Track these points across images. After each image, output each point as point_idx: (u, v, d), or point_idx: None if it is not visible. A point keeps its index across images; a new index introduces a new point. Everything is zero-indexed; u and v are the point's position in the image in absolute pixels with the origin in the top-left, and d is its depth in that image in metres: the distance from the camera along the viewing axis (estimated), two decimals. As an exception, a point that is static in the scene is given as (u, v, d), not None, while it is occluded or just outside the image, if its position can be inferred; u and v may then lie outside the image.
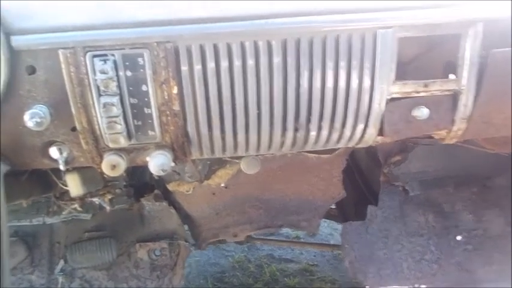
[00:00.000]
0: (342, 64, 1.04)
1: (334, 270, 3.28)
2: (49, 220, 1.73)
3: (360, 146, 1.22)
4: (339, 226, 3.37)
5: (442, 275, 1.86)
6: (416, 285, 1.84)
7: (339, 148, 1.64)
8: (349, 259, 1.82)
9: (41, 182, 1.44)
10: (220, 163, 1.57)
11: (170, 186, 1.71)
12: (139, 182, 1.83)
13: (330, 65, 1.04)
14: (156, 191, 1.78)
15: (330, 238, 3.41)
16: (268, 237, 2.83)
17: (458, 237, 1.90)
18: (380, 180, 1.92)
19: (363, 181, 2.24)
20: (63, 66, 0.98)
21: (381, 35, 1.02)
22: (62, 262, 1.78)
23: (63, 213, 1.61)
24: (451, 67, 1.14)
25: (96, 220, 1.78)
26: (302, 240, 3.33)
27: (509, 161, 1.79)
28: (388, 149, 1.83)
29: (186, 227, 1.94)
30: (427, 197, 1.94)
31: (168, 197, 1.81)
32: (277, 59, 1.02)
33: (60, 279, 1.77)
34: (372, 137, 1.17)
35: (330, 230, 3.54)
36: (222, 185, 1.70)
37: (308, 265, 3.31)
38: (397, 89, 1.08)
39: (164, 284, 1.75)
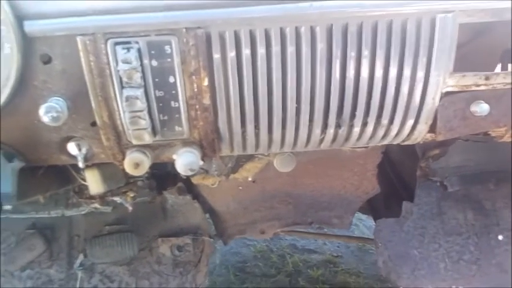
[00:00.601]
0: (394, 53, 0.92)
1: (359, 262, 3.18)
2: (68, 212, 1.65)
3: (406, 143, 1.11)
4: (364, 217, 3.28)
5: (481, 277, 1.74)
6: (453, 287, 1.73)
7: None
8: (382, 258, 1.71)
9: (59, 176, 1.36)
10: (249, 157, 1.47)
11: (194, 179, 1.62)
12: (161, 172, 1.74)
13: (380, 53, 0.92)
14: (179, 184, 1.69)
15: (354, 229, 3.30)
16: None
17: (500, 237, 1.78)
18: (416, 174, 1.79)
19: (394, 174, 2.11)
20: (81, 54, 0.88)
21: (440, 20, 0.90)
22: (81, 256, 1.70)
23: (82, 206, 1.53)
24: (508, 56, 1.02)
25: (117, 213, 1.69)
26: (326, 231, 3.23)
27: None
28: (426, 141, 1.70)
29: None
30: (466, 193, 1.81)
31: (192, 190, 1.71)
32: (320, 47, 0.91)
33: (80, 274, 1.69)
34: (421, 134, 1.05)
35: (354, 220, 3.43)
36: (250, 179, 1.60)
37: (332, 256, 3.22)
38: (454, 82, 0.96)
39: (187, 282, 1.67)
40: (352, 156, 1.59)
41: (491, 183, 1.82)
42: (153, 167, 1.65)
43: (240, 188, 1.66)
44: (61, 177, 1.36)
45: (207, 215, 1.79)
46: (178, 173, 1.45)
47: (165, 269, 1.69)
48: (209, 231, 1.75)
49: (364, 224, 3.35)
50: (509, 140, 1.08)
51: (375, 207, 2.18)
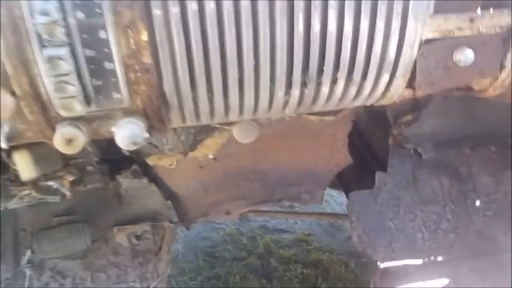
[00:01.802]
0: (365, -5, 0.79)
1: (332, 239, 3.10)
2: (10, 204, 1.47)
3: (380, 103, 0.99)
4: (334, 192, 3.19)
5: (460, 245, 1.66)
6: (432, 258, 1.64)
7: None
8: (357, 233, 1.60)
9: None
10: (208, 131, 1.32)
11: (150, 160, 1.46)
12: (114, 155, 1.57)
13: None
14: (134, 167, 1.53)
15: (325, 205, 3.21)
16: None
17: (477, 203, 1.70)
18: (388, 142, 1.69)
19: (363, 144, 2.01)
20: (-13, 7, 0.71)
21: (417, -48, 0.77)
22: (28, 252, 1.53)
23: (15, 199, 1.35)
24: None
25: (66, 203, 1.52)
26: (296, 209, 3.13)
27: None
28: (398, 106, 1.59)
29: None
30: (441, 160, 1.72)
31: (148, 172, 1.56)
32: (279, -11, 0.77)
33: (28, 271, 1.52)
34: (398, 90, 0.93)
35: (325, 196, 3.33)
36: (211, 156, 1.45)
37: (304, 235, 3.13)
38: (435, 27, 0.84)
39: (148, 272, 1.52)
40: (320, 126, 1.46)
41: (466, 147, 1.73)
42: (105, 150, 1.51)
43: (201, 166, 1.51)
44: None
45: (167, 199, 1.64)
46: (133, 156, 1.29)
47: (122, 260, 1.54)
48: (169, 216, 1.60)
49: (335, 200, 3.26)
50: (493, 94, 0.96)
51: (345, 181, 2.08)
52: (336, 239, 3.09)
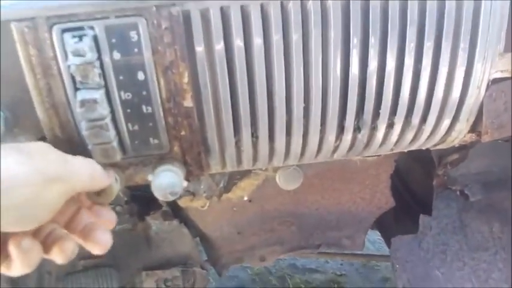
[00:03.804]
0: (429, 32, 0.71)
1: (365, 281, 2.95)
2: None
3: (439, 147, 0.90)
4: (370, 232, 3.06)
5: (514, 297, 1.52)
6: (483, 310, 1.51)
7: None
8: (401, 283, 1.49)
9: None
10: (244, 172, 1.25)
11: (181, 202, 1.39)
12: (144, 194, 1.50)
13: (411, 33, 0.71)
14: (164, 208, 1.46)
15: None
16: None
17: (531, 250, 1.57)
18: (432, 183, 1.58)
19: (402, 183, 1.90)
20: (19, 47, 0.66)
21: (489, -13, 0.69)
22: (53, 297, 1.47)
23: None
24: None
25: (93, 245, 1.46)
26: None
27: None
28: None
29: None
30: (490, 203, 1.60)
31: (179, 213, 1.48)
32: (334, 29, 0.69)
33: (52, 317, 1.45)
34: (460, 135, 0.84)
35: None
36: (246, 198, 1.37)
37: (335, 275, 2.99)
38: (505, 66, 0.75)
39: (177, 320, 1.44)
40: (362, 166, 1.37)
41: (517, 188, 1.61)
42: (134, 188, 1.44)
43: (235, 209, 1.43)
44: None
45: (198, 242, 1.56)
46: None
47: (151, 308, 1.46)
48: (201, 261, 1.51)
49: (368, 239, 3.11)
50: None
51: (381, 221, 1.96)
52: (370, 281, 2.94)
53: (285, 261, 3.08)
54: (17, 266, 0.56)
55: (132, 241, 1.50)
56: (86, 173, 0.62)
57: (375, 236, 2.86)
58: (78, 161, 0.62)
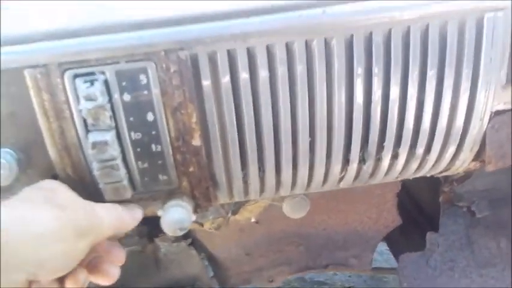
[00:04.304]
0: (431, 65, 0.72)
1: (373, 293, 2.95)
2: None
3: (444, 174, 0.91)
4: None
5: (522, 314, 1.52)
6: (492, 328, 1.51)
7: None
8: (410, 302, 1.49)
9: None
10: (251, 196, 1.26)
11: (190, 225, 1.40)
12: (153, 216, 1.52)
13: (413, 67, 0.72)
14: (172, 230, 1.47)
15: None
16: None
17: (539, 265, 1.57)
18: (439, 200, 1.59)
19: (409, 198, 1.90)
20: (32, 92, 0.68)
21: (489, 20, 0.70)
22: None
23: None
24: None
25: (103, 267, 1.47)
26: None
27: None
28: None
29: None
30: (497, 219, 1.60)
31: (187, 235, 1.49)
32: (338, 64, 0.71)
33: None
34: (465, 164, 0.85)
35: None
36: (253, 220, 1.38)
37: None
38: (508, 97, 0.76)
39: None
40: (368, 186, 1.37)
41: (524, 205, 1.62)
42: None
43: (243, 230, 1.44)
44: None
45: (206, 263, 1.57)
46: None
47: (160, 330, 1.47)
48: (209, 283, 1.52)
49: (376, 250, 3.11)
50: None
51: (389, 235, 1.97)
52: (378, 293, 2.94)
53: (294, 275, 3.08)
54: None
55: (141, 262, 1.51)
56: (113, 221, 0.65)
57: (382, 247, 2.86)
58: (105, 209, 0.64)
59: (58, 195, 0.62)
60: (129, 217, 0.71)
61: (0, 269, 0.49)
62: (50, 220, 0.54)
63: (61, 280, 0.63)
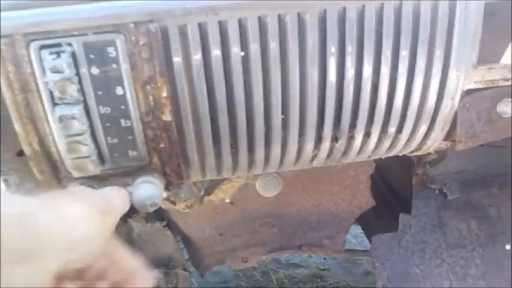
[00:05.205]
0: (404, 44, 0.73)
1: (348, 274, 2.99)
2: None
3: (416, 153, 0.92)
4: (353, 227, 3.10)
5: (491, 293, 1.56)
6: (460, 307, 1.55)
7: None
8: (382, 282, 1.51)
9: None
10: (225, 176, 1.25)
11: (163, 204, 1.39)
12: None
13: (386, 45, 0.72)
14: (146, 210, 1.46)
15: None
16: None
17: (507, 246, 1.60)
18: (412, 182, 1.60)
19: (383, 181, 1.92)
20: (-4, 63, 0.66)
21: (462, 1, 0.71)
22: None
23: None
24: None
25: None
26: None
27: None
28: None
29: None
30: (468, 201, 1.63)
31: (161, 216, 1.48)
32: (311, 40, 0.70)
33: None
34: (435, 143, 0.86)
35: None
36: (227, 200, 1.38)
37: (318, 270, 3.02)
38: (479, 77, 0.77)
39: (160, 322, 1.44)
40: (342, 168, 1.39)
41: (494, 187, 1.64)
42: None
43: (217, 211, 1.44)
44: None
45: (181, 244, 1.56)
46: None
47: (134, 310, 1.46)
48: (183, 263, 1.52)
49: (350, 233, 3.14)
50: (537, 143, 0.89)
51: (363, 217, 1.99)
52: (352, 274, 2.98)
53: (268, 256, 3.10)
54: None
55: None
56: (121, 201, 0.65)
57: (357, 230, 2.90)
58: (111, 192, 0.64)
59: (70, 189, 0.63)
60: (127, 199, 0.70)
61: (30, 257, 0.47)
62: (74, 202, 0.54)
63: None
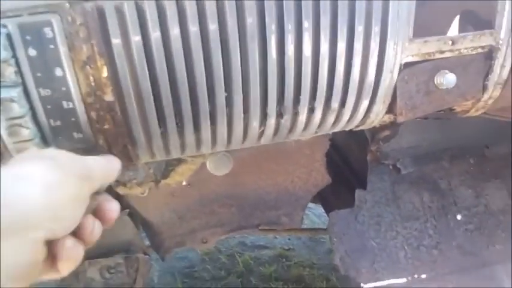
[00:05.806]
0: (341, 20, 0.74)
1: (312, 253, 3.05)
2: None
3: (360, 128, 0.94)
4: (313, 205, 3.15)
5: (443, 261, 1.62)
6: (416, 276, 1.61)
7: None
8: (339, 255, 1.56)
9: None
10: (180, 158, 1.26)
11: (120, 190, 1.38)
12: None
13: (324, 22, 0.74)
14: (104, 196, 1.45)
15: (304, 218, 3.15)
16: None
17: (458, 217, 1.67)
18: (366, 159, 1.65)
19: (341, 158, 1.96)
20: None
21: (395, -25, 0.73)
22: None
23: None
24: (470, 19, 0.87)
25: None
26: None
27: (509, 127, 1.55)
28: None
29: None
30: (420, 175, 1.68)
31: (119, 201, 1.47)
32: (250, 19, 0.71)
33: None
34: (378, 116, 0.89)
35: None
36: (184, 183, 1.39)
37: (283, 250, 3.07)
38: (415, 50, 0.80)
39: (122, 307, 1.45)
40: (297, 146, 1.41)
41: (445, 160, 1.70)
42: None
43: (175, 194, 1.45)
44: None
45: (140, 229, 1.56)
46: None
47: (95, 296, 1.46)
48: (143, 247, 1.52)
49: (313, 213, 3.21)
50: (475, 114, 0.93)
51: (323, 195, 2.03)
52: (316, 253, 3.04)
53: (234, 239, 3.13)
54: (65, 266, 0.58)
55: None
56: (102, 169, 0.65)
57: (320, 210, 2.95)
58: (92, 159, 0.63)
59: (47, 151, 0.61)
60: (113, 167, 0.70)
61: (15, 231, 0.47)
62: (51, 169, 0.53)
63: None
